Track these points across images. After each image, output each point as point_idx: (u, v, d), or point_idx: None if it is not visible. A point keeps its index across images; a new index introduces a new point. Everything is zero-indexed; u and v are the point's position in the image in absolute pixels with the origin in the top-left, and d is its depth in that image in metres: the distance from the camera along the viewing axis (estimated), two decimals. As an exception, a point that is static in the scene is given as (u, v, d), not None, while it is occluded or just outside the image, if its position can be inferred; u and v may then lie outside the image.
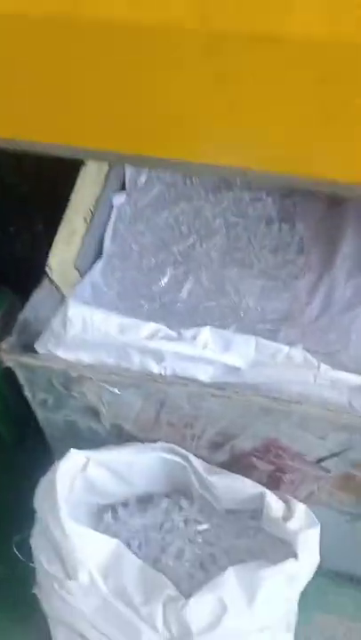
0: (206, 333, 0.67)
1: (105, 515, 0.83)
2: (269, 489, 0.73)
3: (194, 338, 0.67)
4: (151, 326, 0.68)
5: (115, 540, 0.73)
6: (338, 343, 0.84)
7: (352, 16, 0.38)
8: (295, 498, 0.74)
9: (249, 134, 0.47)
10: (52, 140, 0.53)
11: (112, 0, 0.40)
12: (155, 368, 0.68)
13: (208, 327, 0.68)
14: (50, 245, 0.82)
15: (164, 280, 0.93)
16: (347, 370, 0.70)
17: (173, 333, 0.68)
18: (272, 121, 0.45)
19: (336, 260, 0.93)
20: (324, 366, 0.65)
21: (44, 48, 0.44)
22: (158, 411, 0.74)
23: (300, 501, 0.73)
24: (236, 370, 0.67)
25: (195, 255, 0.95)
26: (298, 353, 0.65)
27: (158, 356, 0.67)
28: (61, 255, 0.83)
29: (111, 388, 0.72)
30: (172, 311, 0.89)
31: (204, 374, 0.68)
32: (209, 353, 0.66)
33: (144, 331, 0.67)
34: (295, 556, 0.69)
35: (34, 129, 0.52)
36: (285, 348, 0.65)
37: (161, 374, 0.68)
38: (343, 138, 0.45)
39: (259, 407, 0.66)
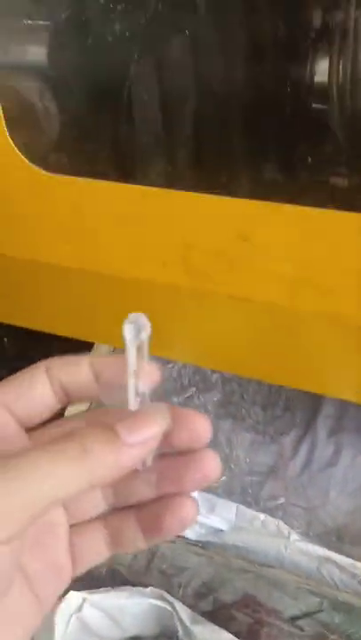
0: (195, 496, 0.77)
1: (96, 655, 0.89)
2: (248, 641, 0.80)
3: (183, 499, 0.77)
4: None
5: None
6: (317, 499, 0.93)
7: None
8: (272, 651, 0.80)
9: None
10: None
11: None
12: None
13: (196, 492, 0.77)
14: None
15: (164, 429, 1.04)
16: (325, 525, 0.79)
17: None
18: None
19: (318, 419, 1.03)
20: (294, 536, 0.74)
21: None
22: (150, 560, 0.83)
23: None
24: (219, 531, 0.76)
25: (192, 406, 1.07)
26: (272, 521, 0.74)
27: (152, 514, 0.77)
28: (74, 410, 0.95)
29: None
30: (170, 459, 0.99)
31: (191, 532, 0.77)
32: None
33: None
34: None
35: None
36: (261, 516, 0.75)
37: (153, 530, 0.77)
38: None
39: (237, 567, 0.74)
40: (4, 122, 0.50)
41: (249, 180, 0.53)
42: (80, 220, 0.52)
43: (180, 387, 1.09)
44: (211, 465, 0.29)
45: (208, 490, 0.82)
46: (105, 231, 0.52)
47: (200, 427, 0.29)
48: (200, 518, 0.76)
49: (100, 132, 0.58)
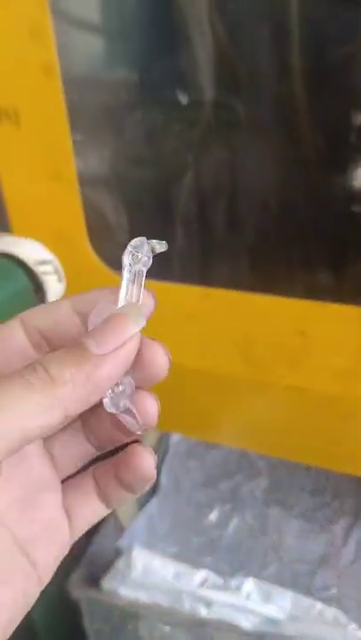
0: (250, 584, 0.78)
1: None
2: None
3: (239, 587, 0.78)
4: (202, 574, 0.79)
5: None
6: (371, 590, 0.91)
7: None
8: None
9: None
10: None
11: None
12: (203, 612, 0.78)
13: (251, 578, 0.78)
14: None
15: (213, 516, 1.05)
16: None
17: (221, 580, 0.79)
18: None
19: (368, 506, 1.03)
20: (352, 625, 0.73)
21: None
22: (204, 652, 0.82)
23: None
24: (275, 621, 0.76)
25: (240, 493, 1.08)
26: (329, 611, 0.74)
27: (207, 602, 0.77)
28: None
29: (163, 627, 0.81)
30: (219, 547, 1.00)
31: (246, 622, 0.77)
32: (251, 604, 0.76)
33: (196, 578, 0.78)
34: None
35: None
36: (318, 605, 0.75)
37: (209, 619, 0.77)
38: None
39: (295, 660, 0.73)
40: (86, 236, 0.57)
41: (304, 281, 0.59)
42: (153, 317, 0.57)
43: (226, 472, 1.11)
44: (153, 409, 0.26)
45: (261, 578, 0.83)
46: (173, 326, 0.57)
47: (160, 361, 0.26)
48: (255, 607, 0.76)
49: (168, 240, 0.65)
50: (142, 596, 0.81)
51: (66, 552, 0.26)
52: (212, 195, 0.65)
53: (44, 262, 0.53)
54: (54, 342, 0.25)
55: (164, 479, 1.08)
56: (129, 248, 0.26)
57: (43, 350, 0.26)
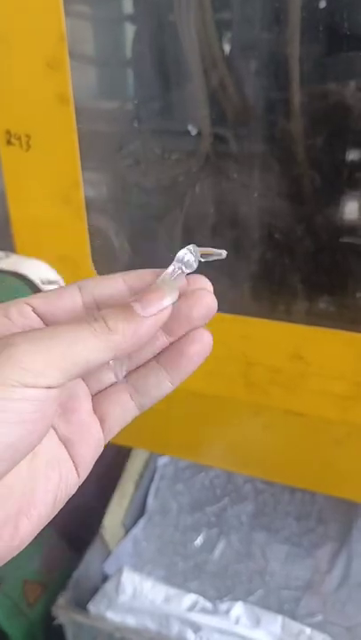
0: (239, 608, 0.78)
1: None
2: None
3: (227, 611, 0.78)
4: (191, 597, 0.79)
5: None
6: (356, 617, 0.92)
7: None
8: None
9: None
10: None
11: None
12: (192, 637, 0.78)
13: (240, 602, 0.78)
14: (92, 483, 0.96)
15: (199, 540, 1.05)
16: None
17: (210, 605, 0.79)
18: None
19: (353, 531, 1.04)
20: (341, 651, 0.73)
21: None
22: None
23: None
24: (264, 646, 0.76)
25: (226, 517, 1.08)
26: (318, 635, 0.74)
27: (195, 627, 0.77)
28: (113, 516, 0.97)
29: (150, 652, 0.81)
30: (205, 571, 0.99)
31: (235, 647, 0.77)
32: (241, 628, 0.76)
33: (185, 601, 0.78)
34: None
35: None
36: (308, 630, 0.75)
37: (197, 644, 0.77)
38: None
39: None
40: (91, 259, 0.58)
41: (303, 307, 0.61)
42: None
43: (213, 496, 1.11)
44: (209, 298, 0.32)
45: (249, 602, 0.83)
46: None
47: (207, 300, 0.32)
48: (245, 632, 0.76)
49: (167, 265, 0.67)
50: (130, 620, 0.80)
51: (100, 451, 0.32)
52: (208, 222, 0.67)
53: (50, 282, 0.54)
54: (104, 307, 0.31)
55: (151, 502, 1.08)
56: (189, 247, 0.32)
57: (92, 311, 0.31)
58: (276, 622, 0.76)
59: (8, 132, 0.55)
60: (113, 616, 0.81)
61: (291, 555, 1.02)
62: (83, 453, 0.31)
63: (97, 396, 0.32)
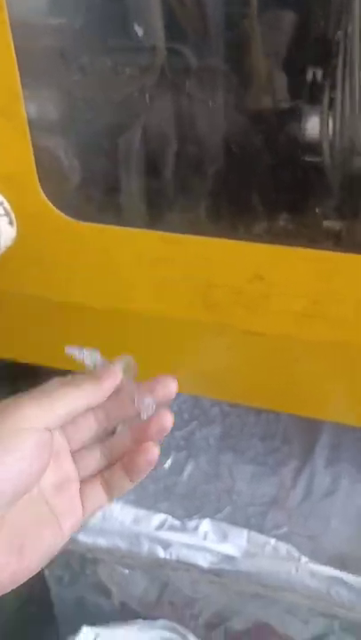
0: (207, 525, 0.80)
1: None
2: (261, 669, 0.82)
3: (196, 528, 0.80)
4: (160, 517, 0.81)
5: None
6: (319, 528, 0.96)
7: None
8: None
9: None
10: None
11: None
12: (161, 554, 0.80)
13: (208, 519, 0.81)
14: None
15: (168, 463, 1.07)
16: (327, 554, 0.83)
17: (178, 523, 0.81)
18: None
19: (316, 449, 1.08)
20: (304, 558, 0.77)
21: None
22: (161, 591, 0.85)
23: None
24: (231, 558, 0.79)
25: (194, 440, 1.10)
26: (282, 545, 0.78)
27: (165, 544, 0.80)
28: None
29: (122, 569, 0.83)
30: (174, 492, 1.02)
31: (203, 561, 0.80)
32: (208, 543, 0.79)
33: (154, 521, 0.80)
34: None
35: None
36: (272, 541, 0.78)
37: (166, 559, 0.80)
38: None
39: (250, 593, 0.77)
40: (37, 179, 0.55)
41: (263, 226, 0.59)
42: (108, 264, 0.57)
43: (180, 421, 1.13)
44: (167, 418, 0.42)
45: (217, 519, 0.86)
46: (134, 272, 0.57)
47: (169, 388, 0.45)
48: (212, 546, 0.79)
49: (123, 185, 0.64)
50: (101, 542, 0.83)
51: (79, 525, 0.42)
52: (165, 140, 0.64)
53: (-5, 204, 0.52)
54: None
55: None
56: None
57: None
58: (242, 536, 0.79)
59: None
60: (84, 538, 0.83)
61: (257, 474, 1.05)
62: (69, 526, 0.40)
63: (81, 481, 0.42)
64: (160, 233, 0.55)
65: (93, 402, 0.40)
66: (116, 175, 0.63)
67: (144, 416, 0.42)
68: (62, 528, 0.39)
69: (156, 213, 0.62)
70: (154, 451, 0.42)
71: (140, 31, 0.65)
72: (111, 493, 0.43)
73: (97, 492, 0.42)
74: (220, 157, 0.62)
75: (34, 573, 0.38)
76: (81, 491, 0.42)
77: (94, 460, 0.43)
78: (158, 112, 0.69)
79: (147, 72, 0.72)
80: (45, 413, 0.37)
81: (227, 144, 0.62)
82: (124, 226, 0.56)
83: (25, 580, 0.38)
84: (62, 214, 0.57)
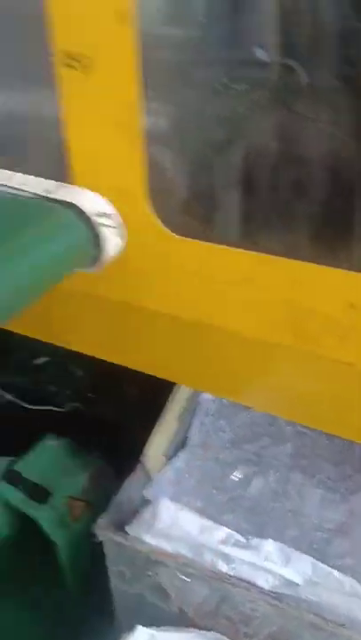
0: (270, 546, 0.80)
1: None
2: None
3: (259, 547, 0.80)
4: (225, 531, 0.81)
5: None
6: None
7: None
8: None
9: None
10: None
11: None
12: (223, 568, 0.80)
13: (271, 540, 0.80)
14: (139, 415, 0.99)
15: (237, 475, 1.07)
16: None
17: (243, 540, 0.81)
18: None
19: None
20: (369, 596, 0.75)
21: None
22: (219, 604, 0.85)
23: None
24: (293, 584, 0.78)
25: (265, 456, 1.09)
26: (347, 580, 0.76)
27: (228, 559, 0.80)
28: (155, 447, 1.00)
29: (183, 577, 0.84)
30: (240, 505, 1.02)
31: (265, 582, 0.79)
32: (271, 564, 0.78)
33: (219, 534, 0.81)
34: None
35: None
36: (336, 573, 0.76)
37: (228, 575, 0.80)
38: None
39: (308, 622, 0.75)
40: (146, 193, 0.56)
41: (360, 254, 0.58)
42: (203, 279, 0.57)
43: (252, 434, 1.12)
44: None
45: (281, 540, 0.85)
46: (225, 290, 0.57)
47: None
48: (274, 568, 0.78)
49: (226, 202, 0.64)
50: (165, 546, 0.84)
51: None
52: (271, 159, 0.64)
53: (104, 215, 0.53)
54: None
55: (193, 435, 1.10)
56: None
57: None
58: (306, 562, 0.78)
59: (67, 54, 0.53)
60: (150, 540, 0.84)
61: (326, 499, 1.03)
62: None
63: None
64: (255, 254, 0.55)
65: None
66: (219, 192, 0.63)
67: None
68: None
69: (254, 232, 0.62)
70: None
71: (259, 52, 0.65)
72: None
73: None
74: (328, 180, 0.61)
75: None
76: None
77: None
78: (266, 130, 0.69)
79: (259, 88, 0.72)
80: None
81: (336, 166, 0.61)
82: (222, 243, 0.57)
83: None
84: (166, 229, 0.58)
